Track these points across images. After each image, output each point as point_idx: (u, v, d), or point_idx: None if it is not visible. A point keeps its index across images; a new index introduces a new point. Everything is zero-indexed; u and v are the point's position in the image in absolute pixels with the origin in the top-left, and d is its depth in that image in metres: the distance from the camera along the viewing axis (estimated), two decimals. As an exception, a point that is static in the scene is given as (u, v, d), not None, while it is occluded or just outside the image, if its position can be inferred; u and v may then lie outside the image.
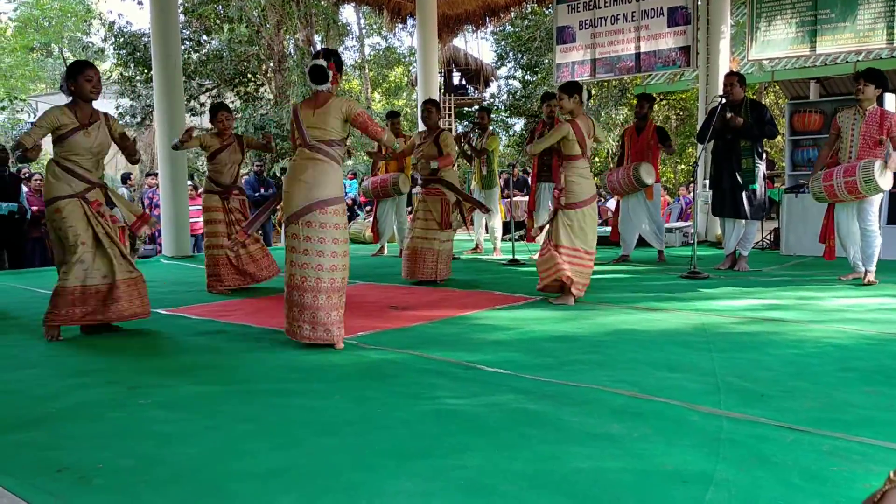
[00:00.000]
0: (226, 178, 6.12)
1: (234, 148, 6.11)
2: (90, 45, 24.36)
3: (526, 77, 25.07)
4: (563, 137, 5.19)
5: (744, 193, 6.67)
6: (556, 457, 2.31)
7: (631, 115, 21.67)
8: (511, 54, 25.15)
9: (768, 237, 9.26)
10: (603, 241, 9.78)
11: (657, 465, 2.23)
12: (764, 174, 6.83)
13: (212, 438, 2.53)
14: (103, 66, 26.07)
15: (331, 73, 3.95)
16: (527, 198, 10.98)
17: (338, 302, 3.94)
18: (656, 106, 22.43)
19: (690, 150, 20.25)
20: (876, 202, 5.81)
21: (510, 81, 26.56)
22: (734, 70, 7.95)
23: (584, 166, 5.24)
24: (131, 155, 4.58)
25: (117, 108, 19.04)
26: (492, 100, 26.63)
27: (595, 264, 5.42)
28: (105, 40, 20.56)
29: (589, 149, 5.24)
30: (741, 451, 2.33)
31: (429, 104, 6.70)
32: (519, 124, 26.16)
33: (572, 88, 5.26)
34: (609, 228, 10.29)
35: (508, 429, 2.58)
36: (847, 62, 11.63)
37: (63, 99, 4.47)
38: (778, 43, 9.05)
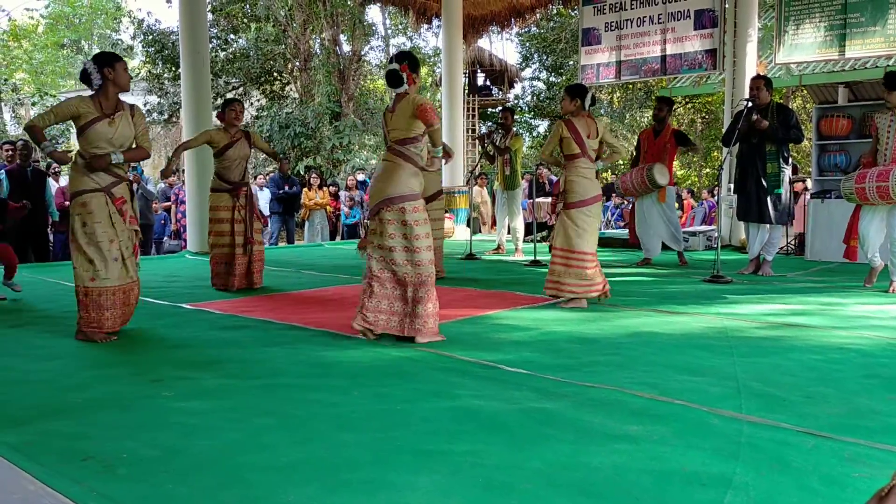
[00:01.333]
0: (235, 175, 6.09)
1: (242, 143, 6.10)
2: (119, 42, 24.73)
3: (550, 78, 25.03)
4: (561, 137, 5.22)
5: (769, 198, 6.61)
6: (574, 456, 2.32)
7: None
8: (536, 55, 25.12)
9: (793, 242, 9.17)
10: (621, 244, 9.83)
11: (676, 466, 2.23)
12: (790, 179, 6.77)
13: (233, 431, 2.56)
14: (132, 64, 26.45)
15: (405, 76, 4.01)
16: (550, 199, 10.98)
17: (425, 295, 4.02)
18: (682, 109, 22.28)
19: (716, 153, 20.09)
20: None
21: (534, 83, 26.53)
22: (761, 73, 7.88)
23: (584, 165, 5.18)
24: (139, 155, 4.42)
25: (145, 104, 19.28)
26: (516, 101, 26.60)
27: (618, 267, 5.40)
28: (134, 38, 20.85)
29: (590, 149, 5.18)
30: (761, 455, 2.32)
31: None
32: (543, 126, 26.12)
33: (575, 92, 5.27)
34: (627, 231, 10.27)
35: (527, 427, 2.59)
36: (877, 67, 11.46)
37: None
38: (806, 46, 8.95)
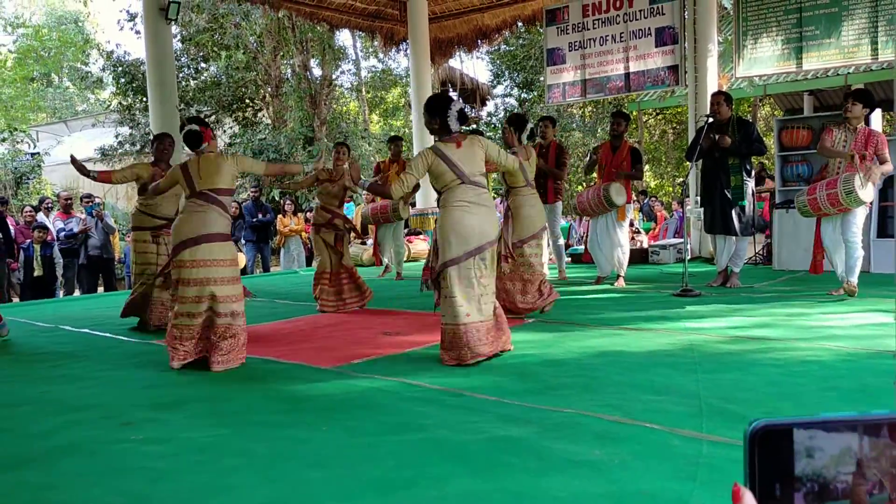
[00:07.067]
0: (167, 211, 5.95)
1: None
2: (90, 74, 24.61)
3: (522, 95, 25.24)
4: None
5: (733, 210, 6.73)
6: (535, 485, 2.36)
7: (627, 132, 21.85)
8: (507, 73, 25.33)
9: (761, 252, 9.30)
10: (577, 260, 10.10)
11: (634, 490, 2.28)
12: (753, 191, 6.89)
13: (200, 473, 2.58)
14: (103, 95, 26.35)
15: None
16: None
17: None
18: (653, 120, 22.55)
19: (687, 163, 20.34)
20: (860, 215, 5.86)
21: (507, 99, 26.73)
22: (723, 87, 8.03)
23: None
24: None
25: (117, 136, 19.19)
26: (489, 118, 26.77)
27: (587, 284, 5.46)
28: (104, 69, 20.76)
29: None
30: (718, 475, 2.37)
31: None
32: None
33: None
34: (583, 247, 10.41)
35: (491, 457, 2.63)
36: (838, 75, 11.73)
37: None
38: (765, 60, 9.13)
